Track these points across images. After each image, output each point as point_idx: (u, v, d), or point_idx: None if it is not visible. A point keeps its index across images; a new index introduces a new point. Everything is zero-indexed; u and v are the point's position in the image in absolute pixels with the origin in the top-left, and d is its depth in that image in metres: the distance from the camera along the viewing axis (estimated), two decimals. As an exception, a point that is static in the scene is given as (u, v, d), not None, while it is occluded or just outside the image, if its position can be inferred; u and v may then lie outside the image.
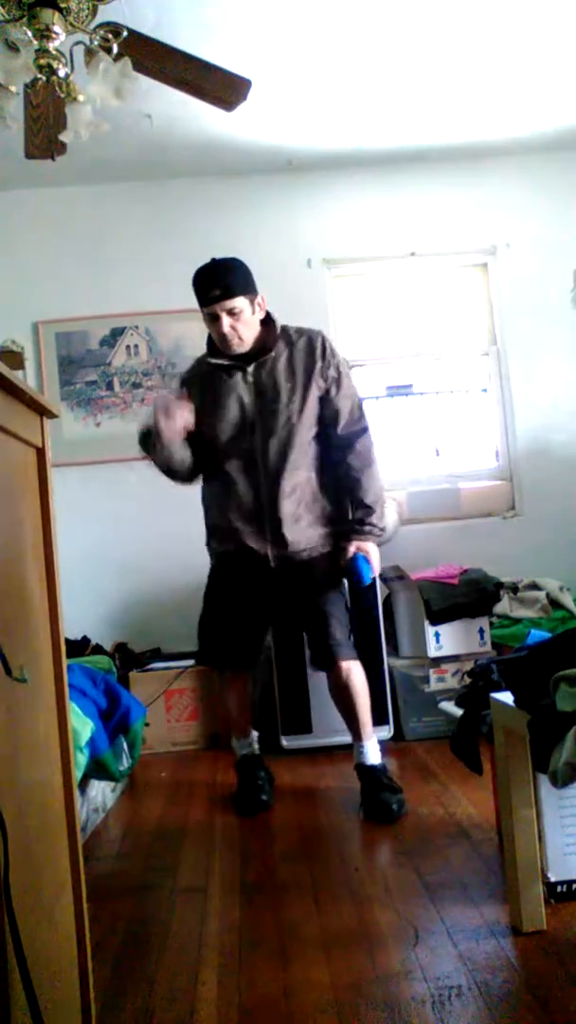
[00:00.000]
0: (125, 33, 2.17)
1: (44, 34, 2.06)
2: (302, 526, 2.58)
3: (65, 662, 1.31)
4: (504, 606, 3.45)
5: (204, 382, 2.63)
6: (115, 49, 2.16)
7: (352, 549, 2.59)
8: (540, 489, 4.06)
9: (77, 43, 2.18)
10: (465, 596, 3.39)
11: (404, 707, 3.40)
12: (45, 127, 2.53)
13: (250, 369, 2.58)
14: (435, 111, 3.63)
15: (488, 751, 2.00)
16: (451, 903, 1.89)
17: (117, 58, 2.14)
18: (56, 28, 2.07)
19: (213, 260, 2.59)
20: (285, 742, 3.30)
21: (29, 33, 2.06)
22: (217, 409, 2.58)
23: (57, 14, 2.06)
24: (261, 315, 2.60)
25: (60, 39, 2.10)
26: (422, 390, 4.19)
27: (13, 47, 2.07)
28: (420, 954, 1.67)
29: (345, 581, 2.67)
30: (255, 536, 2.58)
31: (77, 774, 2.19)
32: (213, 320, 2.54)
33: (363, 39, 3.04)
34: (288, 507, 2.56)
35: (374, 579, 2.70)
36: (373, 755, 2.63)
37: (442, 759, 2.98)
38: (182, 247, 4.02)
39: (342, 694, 2.63)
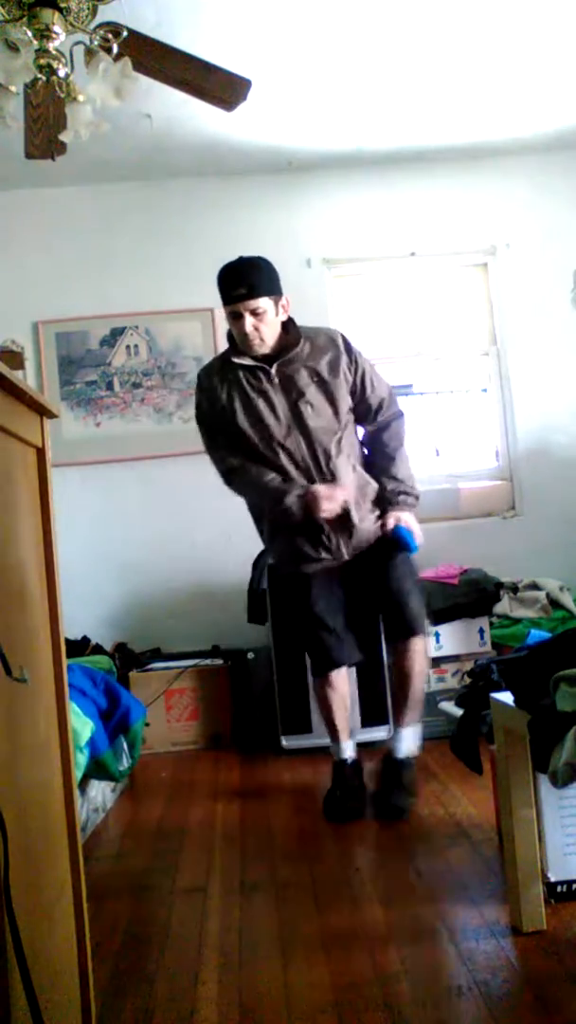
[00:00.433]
0: (125, 33, 2.16)
1: (44, 34, 2.05)
2: (362, 513, 2.58)
3: (65, 662, 1.31)
4: (504, 606, 3.45)
5: (229, 383, 2.58)
6: (115, 49, 2.15)
7: (392, 521, 2.60)
8: (540, 489, 4.06)
9: (77, 43, 2.18)
10: (465, 596, 3.40)
11: (404, 707, 3.40)
12: (45, 127, 2.53)
13: (274, 370, 2.55)
14: (435, 111, 3.63)
15: (488, 751, 2.00)
16: (451, 903, 1.89)
17: (117, 58, 2.14)
18: (56, 28, 2.07)
19: (240, 258, 2.54)
20: (285, 742, 3.30)
21: (29, 33, 2.06)
22: (248, 411, 2.55)
23: (57, 14, 2.06)
24: (284, 317, 2.57)
25: (60, 39, 2.10)
26: (422, 390, 4.19)
27: (13, 47, 2.06)
28: (420, 954, 1.67)
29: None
30: (323, 543, 2.55)
31: (77, 774, 2.20)
32: (236, 318, 2.51)
33: (363, 39, 3.04)
34: (351, 498, 2.54)
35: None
36: (407, 746, 2.62)
37: (442, 759, 2.97)
38: (182, 247, 4.04)
39: (405, 668, 2.62)
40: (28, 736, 1.12)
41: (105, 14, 2.20)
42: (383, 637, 2.79)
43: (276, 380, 2.55)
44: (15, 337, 3.98)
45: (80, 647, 3.55)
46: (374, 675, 3.26)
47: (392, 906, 1.91)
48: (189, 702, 3.55)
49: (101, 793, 2.77)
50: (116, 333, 4.03)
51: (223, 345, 4.02)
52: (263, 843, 2.41)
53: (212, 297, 3.87)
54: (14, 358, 3.88)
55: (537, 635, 2.83)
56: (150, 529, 3.93)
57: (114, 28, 2.15)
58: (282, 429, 2.54)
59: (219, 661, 3.64)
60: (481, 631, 3.39)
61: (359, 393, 2.62)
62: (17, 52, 2.06)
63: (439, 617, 3.32)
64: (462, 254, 4.18)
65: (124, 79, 2.12)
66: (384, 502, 2.64)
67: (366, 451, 2.73)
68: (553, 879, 1.79)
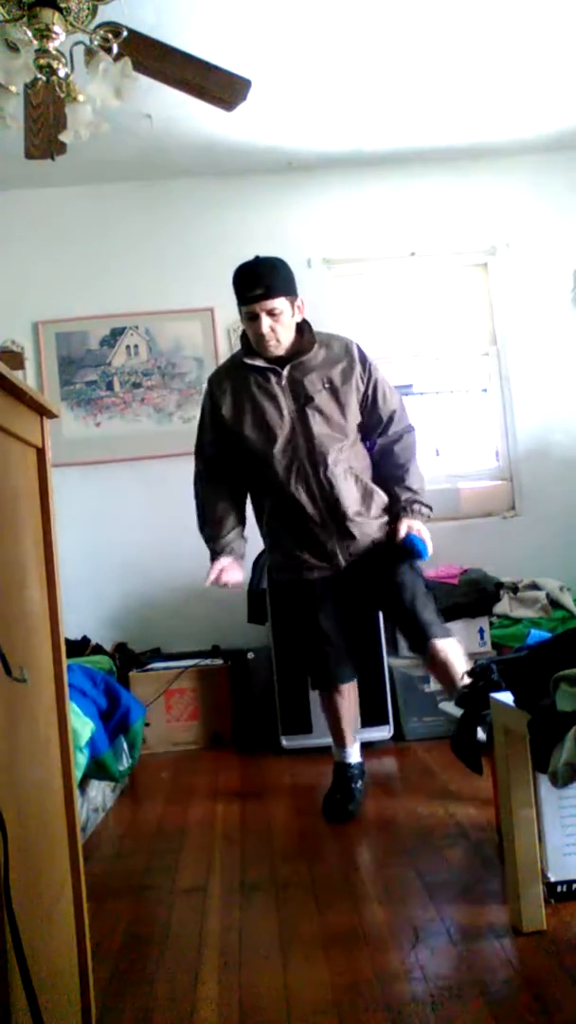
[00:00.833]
0: (125, 33, 2.17)
1: (44, 34, 2.06)
2: (364, 521, 2.55)
3: (65, 662, 1.31)
4: (504, 606, 3.45)
5: (236, 384, 2.56)
6: (115, 49, 2.15)
7: (404, 529, 2.57)
8: (540, 489, 4.06)
9: (77, 43, 2.18)
10: (465, 596, 3.40)
11: (404, 707, 3.40)
12: (45, 127, 2.53)
13: (284, 372, 2.51)
14: (435, 111, 3.63)
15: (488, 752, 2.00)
16: (451, 903, 1.89)
17: (117, 58, 2.14)
18: (56, 28, 2.07)
19: (257, 257, 2.51)
20: (285, 742, 3.30)
21: (29, 33, 2.06)
22: (253, 413, 2.53)
23: (57, 14, 2.06)
24: (299, 318, 2.54)
25: (60, 39, 2.10)
26: (422, 390, 4.19)
27: (13, 47, 2.06)
28: (420, 954, 1.67)
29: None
30: (320, 551, 2.55)
31: (77, 774, 2.20)
32: (252, 319, 2.47)
33: (363, 40, 3.04)
34: (350, 507, 2.52)
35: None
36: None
37: (442, 759, 2.98)
38: (182, 247, 4.04)
39: (437, 674, 2.62)
40: (28, 736, 1.12)
41: (105, 14, 2.20)
42: (408, 647, 2.75)
43: (286, 383, 2.51)
44: (15, 337, 3.98)
45: (80, 647, 3.55)
46: (374, 676, 3.27)
47: (392, 906, 1.91)
48: (189, 702, 3.55)
49: (101, 793, 2.77)
50: (116, 333, 4.03)
51: (223, 345, 4.08)
52: (263, 843, 2.41)
53: (212, 297, 3.95)
54: (14, 358, 3.88)
55: (537, 635, 2.83)
56: (150, 529, 3.93)
57: (114, 28, 2.15)
58: (285, 433, 2.50)
59: (219, 661, 3.64)
60: (481, 631, 3.39)
61: (370, 404, 2.58)
62: (17, 52, 2.07)
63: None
64: (462, 254, 4.18)
65: (124, 79, 2.13)
66: (396, 511, 2.60)
67: (378, 462, 2.67)
68: (553, 879, 1.79)
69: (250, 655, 3.64)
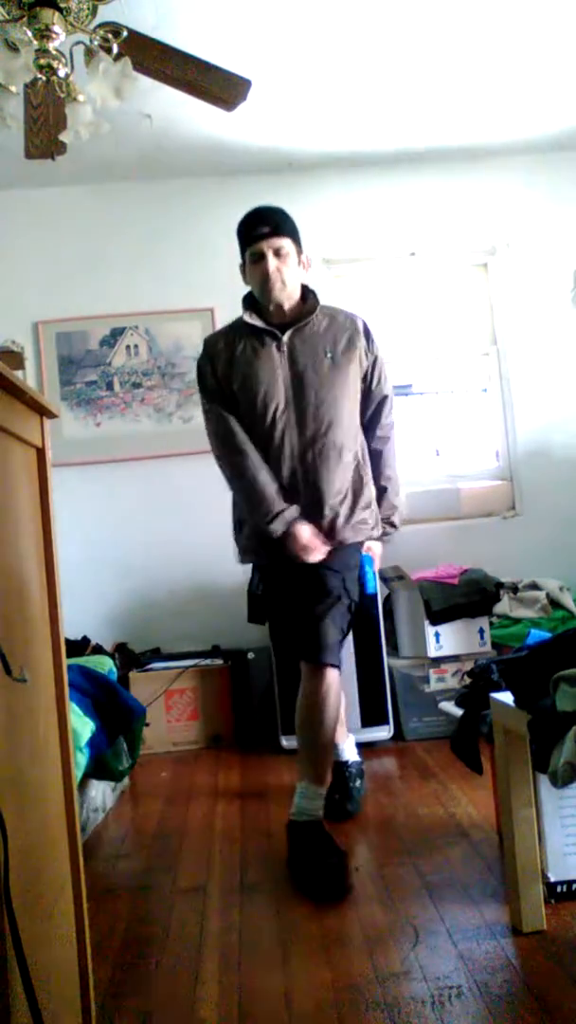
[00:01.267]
0: (125, 33, 2.17)
1: (44, 34, 2.06)
2: (339, 515, 2.37)
3: (65, 662, 1.31)
4: (504, 606, 3.45)
5: (233, 347, 2.41)
6: (115, 49, 2.16)
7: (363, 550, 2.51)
8: (540, 489, 4.06)
9: (77, 43, 2.18)
10: (465, 596, 3.40)
11: (404, 707, 3.40)
12: (45, 127, 2.53)
13: (285, 338, 2.38)
14: (435, 111, 3.63)
15: (488, 751, 2.00)
16: (451, 903, 1.89)
17: (117, 58, 2.14)
18: (56, 28, 2.07)
19: (261, 205, 2.47)
20: (285, 742, 3.30)
21: (29, 33, 2.06)
22: (247, 377, 2.37)
23: (57, 14, 2.06)
24: (304, 274, 2.44)
25: (60, 39, 2.10)
26: (422, 390, 4.19)
27: (13, 47, 2.06)
28: (420, 954, 1.67)
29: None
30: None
31: (77, 774, 2.19)
32: (257, 260, 2.36)
33: (362, 40, 3.04)
34: (328, 498, 2.34)
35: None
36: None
37: (442, 759, 2.98)
38: (182, 247, 4.04)
39: (309, 701, 2.38)
40: (28, 736, 1.12)
41: (105, 14, 2.20)
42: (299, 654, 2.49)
43: (285, 348, 2.37)
44: (15, 337, 3.98)
45: (80, 647, 3.55)
46: (374, 676, 3.27)
47: (392, 906, 1.91)
48: (189, 702, 3.55)
49: (101, 793, 2.77)
50: (116, 333, 4.03)
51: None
52: (263, 843, 2.41)
53: (212, 297, 3.95)
54: (14, 358, 3.88)
55: (537, 635, 2.83)
56: (150, 529, 3.93)
57: (114, 28, 2.16)
58: (280, 400, 2.35)
59: (219, 661, 3.64)
60: (481, 631, 3.39)
61: (368, 382, 2.49)
62: (17, 52, 2.07)
63: (439, 617, 3.32)
64: (462, 254, 4.19)
65: (124, 79, 2.12)
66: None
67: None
68: (553, 879, 1.79)
69: (250, 655, 3.64)
